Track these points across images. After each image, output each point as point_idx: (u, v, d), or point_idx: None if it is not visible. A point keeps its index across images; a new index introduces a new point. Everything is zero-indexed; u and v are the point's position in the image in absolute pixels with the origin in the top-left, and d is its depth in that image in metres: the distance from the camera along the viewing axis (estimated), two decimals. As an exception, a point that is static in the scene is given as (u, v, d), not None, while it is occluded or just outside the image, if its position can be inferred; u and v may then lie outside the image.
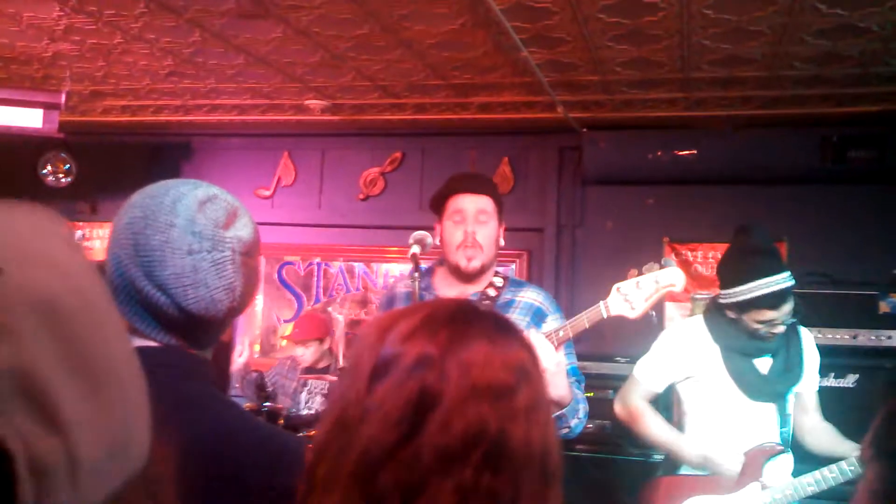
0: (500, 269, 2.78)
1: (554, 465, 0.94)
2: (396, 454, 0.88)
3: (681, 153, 4.83)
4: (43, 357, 0.44)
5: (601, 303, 2.44)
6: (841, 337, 4.21)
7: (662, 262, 2.47)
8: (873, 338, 4.20)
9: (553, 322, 2.61)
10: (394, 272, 5.61)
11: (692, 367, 2.93)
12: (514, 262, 5.39)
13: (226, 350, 2.66)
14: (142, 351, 1.23)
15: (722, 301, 2.85)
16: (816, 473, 2.71)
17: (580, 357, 4.66)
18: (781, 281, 2.72)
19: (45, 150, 5.70)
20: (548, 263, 5.28)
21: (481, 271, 2.61)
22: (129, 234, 1.21)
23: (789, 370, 2.86)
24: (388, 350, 0.93)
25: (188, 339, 1.26)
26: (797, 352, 2.90)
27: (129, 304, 1.22)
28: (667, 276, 2.44)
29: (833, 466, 2.70)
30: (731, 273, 2.82)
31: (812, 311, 4.00)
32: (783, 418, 2.86)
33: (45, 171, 5.76)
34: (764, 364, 2.88)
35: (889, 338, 4.19)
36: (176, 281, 1.19)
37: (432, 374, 0.90)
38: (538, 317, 2.61)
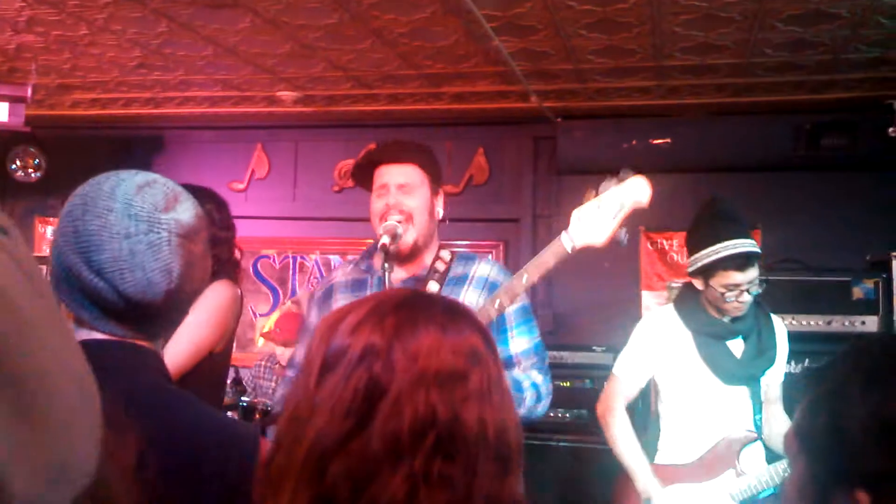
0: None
1: (512, 449, 0.92)
2: (346, 445, 0.87)
3: (655, 142, 4.83)
4: None
5: (563, 234, 2.19)
6: (815, 323, 4.23)
7: (621, 175, 2.17)
8: (847, 323, 4.23)
9: None
10: (370, 264, 5.58)
11: (667, 355, 2.93)
12: (490, 252, 5.38)
13: (222, 361, 2.62)
14: (87, 344, 1.21)
15: (690, 270, 2.86)
16: (789, 463, 2.71)
17: (558, 346, 4.71)
18: (748, 245, 2.75)
19: (14, 145, 5.62)
20: (524, 253, 5.27)
21: (414, 249, 2.40)
22: (68, 221, 1.21)
23: (762, 353, 2.87)
24: (337, 343, 0.93)
25: (134, 328, 1.24)
26: (769, 336, 2.91)
27: (71, 293, 1.21)
28: (630, 192, 2.14)
29: None
30: (698, 238, 2.85)
31: (786, 298, 4.03)
32: (757, 404, 2.86)
33: (14, 167, 5.67)
34: (736, 347, 2.89)
35: (863, 323, 4.22)
36: (113, 265, 1.18)
37: (379, 364, 0.90)
38: (494, 291, 2.39)
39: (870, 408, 0.98)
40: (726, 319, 2.87)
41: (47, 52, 4.24)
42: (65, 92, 5.07)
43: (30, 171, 5.68)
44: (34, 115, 4.63)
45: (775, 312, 3.03)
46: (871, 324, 4.20)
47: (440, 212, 2.51)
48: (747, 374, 2.87)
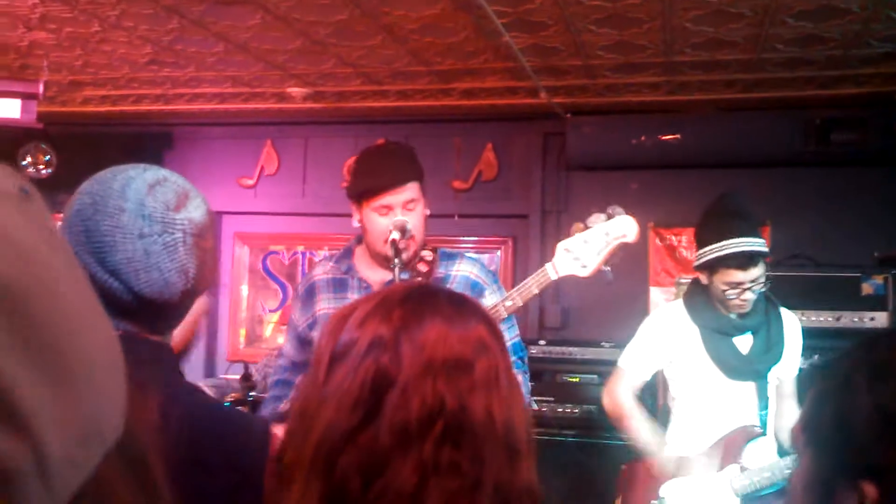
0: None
1: (520, 438, 0.93)
2: (356, 437, 0.88)
3: (664, 138, 4.83)
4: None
5: (548, 264, 2.26)
6: (824, 319, 4.23)
7: (609, 211, 2.24)
8: (856, 319, 4.22)
9: (492, 295, 2.47)
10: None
11: (674, 350, 2.94)
12: (499, 248, 5.39)
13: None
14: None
15: (695, 265, 2.89)
16: (796, 456, 2.71)
17: (566, 342, 4.72)
18: (753, 244, 2.75)
19: (25, 142, 5.64)
20: (533, 249, 5.28)
21: (412, 258, 2.46)
22: (78, 220, 1.20)
23: (769, 349, 2.87)
24: (345, 336, 0.94)
25: (145, 324, 1.25)
26: (778, 331, 2.91)
27: None
28: (617, 227, 2.21)
29: None
30: (705, 233, 2.87)
31: (795, 293, 4.03)
32: (763, 400, 2.86)
33: (25, 163, 5.70)
34: (744, 343, 2.89)
35: (872, 319, 4.21)
36: (128, 265, 1.18)
37: (386, 355, 0.90)
38: (476, 291, 2.47)
39: (875, 401, 0.99)
40: (733, 315, 2.87)
41: (59, 49, 4.27)
42: (76, 88, 5.10)
43: (41, 167, 5.71)
44: (46, 111, 4.65)
45: (785, 308, 3.02)
46: (880, 320, 4.19)
47: (427, 211, 2.54)
48: (753, 369, 2.87)
